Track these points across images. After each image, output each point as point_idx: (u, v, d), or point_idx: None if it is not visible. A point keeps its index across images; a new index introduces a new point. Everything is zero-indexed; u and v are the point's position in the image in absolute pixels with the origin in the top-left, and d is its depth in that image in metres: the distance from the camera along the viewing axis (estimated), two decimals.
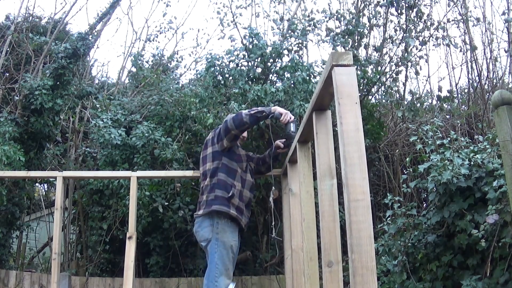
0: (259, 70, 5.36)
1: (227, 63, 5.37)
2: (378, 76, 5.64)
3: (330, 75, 1.97)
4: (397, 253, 3.74)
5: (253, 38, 5.28)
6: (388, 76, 5.82)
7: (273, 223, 3.46)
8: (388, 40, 5.88)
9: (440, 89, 5.95)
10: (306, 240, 2.78)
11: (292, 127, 3.36)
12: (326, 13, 5.79)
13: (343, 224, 1.92)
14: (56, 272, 3.74)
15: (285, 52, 5.40)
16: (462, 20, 6.36)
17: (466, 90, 6.94)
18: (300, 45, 5.65)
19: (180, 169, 5.30)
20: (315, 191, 2.80)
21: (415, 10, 5.40)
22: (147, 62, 8.03)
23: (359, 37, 5.80)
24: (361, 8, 6.03)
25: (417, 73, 5.87)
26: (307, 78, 4.94)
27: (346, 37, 5.60)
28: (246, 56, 5.30)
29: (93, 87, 6.96)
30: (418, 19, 5.46)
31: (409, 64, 5.65)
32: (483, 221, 2.99)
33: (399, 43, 5.53)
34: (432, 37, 5.54)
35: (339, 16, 5.75)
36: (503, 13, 6.22)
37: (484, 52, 6.54)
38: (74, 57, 6.11)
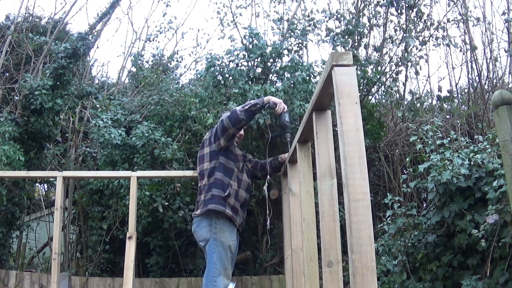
0: (259, 70, 5.36)
1: (227, 63, 5.36)
2: (378, 76, 5.64)
3: (330, 75, 1.97)
4: (397, 253, 3.74)
5: (253, 38, 5.28)
6: (388, 76, 5.81)
7: (268, 215, 3.46)
8: (388, 40, 5.89)
9: (440, 89, 5.95)
10: (306, 240, 2.78)
11: (287, 117, 3.36)
12: (326, 13, 5.79)
13: (343, 224, 1.92)
14: (56, 272, 3.74)
15: (285, 52, 5.39)
16: (462, 20, 6.36)
17: (466, 90, 6.94)
18: (300, 45, 5.65)
19: (180, 169, 5.31)
20: (315, 191, 2.80)
21: (415, 10, 5.40)
22: (147, 62, 8.03)
23: (359, 37, 5.80)
24: (361, 8, 6.03)
25: (417, 73, 5.86)
26: (307, 78, 4.94)
27: (346, 37, 5.60)
28: (246, 56, 5.30)
29: (93, 87, 6.96)
30: (418, 19, 5.46)
31: (409, 64, 5.65)
32: (483, 221, 2.99)
33: (399, 43, 5.52)
34: (432, 37, 5.54)
35: (339, 16, 5.75)
36: (503, 13, 6.22)
37: (484, 52, 6.55)
38: (74, 57, 6.11)
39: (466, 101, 6.71)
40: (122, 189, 5.43)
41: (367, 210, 1.76)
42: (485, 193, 3.11)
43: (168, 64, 8.55)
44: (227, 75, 5.32)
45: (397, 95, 6.43)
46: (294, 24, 5.78)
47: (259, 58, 5.23)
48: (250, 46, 5.26)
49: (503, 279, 2.90)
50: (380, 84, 5.97)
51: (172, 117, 6.00)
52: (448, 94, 5.88)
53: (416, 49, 5.52)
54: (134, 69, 7.86)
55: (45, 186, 8.92)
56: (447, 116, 6.49)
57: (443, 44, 5.64)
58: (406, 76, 6.54)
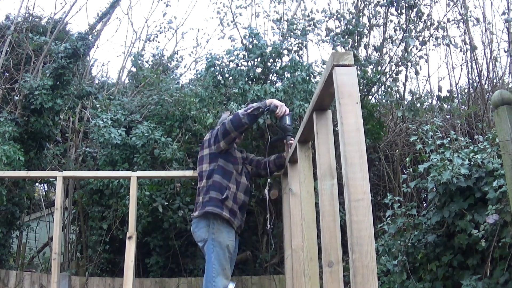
0: (259, 70, 5.36)
1: (227, 63, 5.36)
2: (378, 76, 5.64)
3: (331, 75, 1.97)
4: (397, 253, 3.74)
5: (253, 38, 5.28)
6: (388, 76, 5.81)
7: (269, 219, 3.46)
8: (388, 40, 5.89)
9: (440, 89, 5.96)
10: (306, 240, 2.78)
11: (288, 120, 3.35)
12: (326, 13, 5.78)
13: (344, 224, 1.92)
14: (56, 272, 3.74)
15: (285, 52, 5.39)
16: (462, 20, 6.36)
17: (466, 90, 6.94)
18: (300, 45, 5.65)
19: (180, 169, 5.31)
20: (316, 191, 2.79)
21: (415, 10, 5.40)
22: (147, 62, 8.03)
23: (359, 37, 5.79)
24: (361, 8, 6.03)
25: (417, 73, 5.87)
26: (307, 78, 4.94)
27: (346, 37, 5.60)
28: (246, 56, 5.30)
29: (93, 87, 6.96)
30: (418, 19, 5.45)
31: (409, 64, 5.65)
32: (483, 221, 2.99)
33: (399, 43, 5.52)
34: (432, 37, 5.54)
35: (339, 16, 5.75)
36: (503, 13, 6.23)
37: (484, 52, 6.55)
38: (74, 57, 6.11)
39: (466, 101, 6.72)
40: (122, 189, 5.43)
41: (367, 210, 1.76)
42: (485, 193, 3.11)
43: (168, 64, 8.55)
44: (227, 75, 5.32)
45: (397, 95, 6.43)
46: (294, 24, 5.78)
47: (259, 58, 5.24)
48: (250, 46, 5.26)
49: (503, 279, 2.91)
50: (380, 84, 5.97)
51: (172, 117, 6.00)
52: (448, 94, 5.88)
53: (416, 49, 5.52)
54: (134, 69, 7.87)
55: (45, 186, 8.92)
56: (447, 116, 6.49)
57: (443, 44, 5.65)
58: (406, 76, 6.55)
